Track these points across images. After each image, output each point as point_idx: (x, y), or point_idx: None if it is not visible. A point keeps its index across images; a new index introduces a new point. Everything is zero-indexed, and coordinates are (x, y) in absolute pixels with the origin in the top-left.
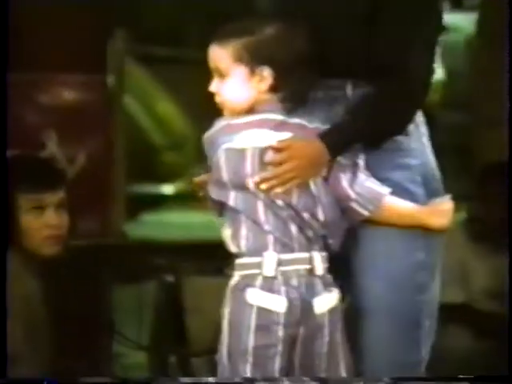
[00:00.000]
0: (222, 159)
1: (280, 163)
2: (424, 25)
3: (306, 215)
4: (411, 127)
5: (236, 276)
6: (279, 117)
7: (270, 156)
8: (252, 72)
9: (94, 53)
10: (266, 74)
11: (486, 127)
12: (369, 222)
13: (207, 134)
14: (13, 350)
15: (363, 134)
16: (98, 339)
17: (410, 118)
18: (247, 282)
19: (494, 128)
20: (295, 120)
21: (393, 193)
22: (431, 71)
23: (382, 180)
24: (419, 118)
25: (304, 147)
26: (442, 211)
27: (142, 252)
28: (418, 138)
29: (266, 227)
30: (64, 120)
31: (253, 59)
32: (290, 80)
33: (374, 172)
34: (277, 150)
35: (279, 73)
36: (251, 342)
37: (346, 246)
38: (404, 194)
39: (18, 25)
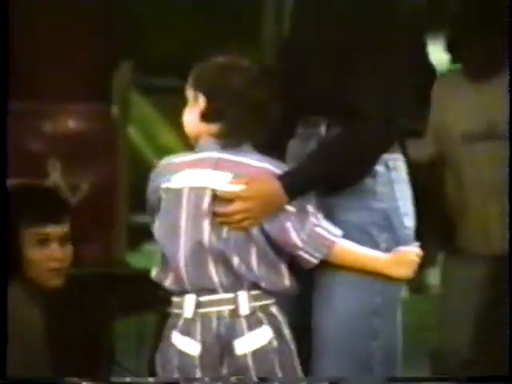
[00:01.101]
0: (160, 199)
1: (232, 201)
2: (394, 68)
3: (235, 259)
4: (381, 170)
5: (172, 313)
6: (220, 155)
7: (210, 197)
8: (195, 97)
9: (99, 83)
10: (201, 100)
11: None
12: (326, 263)
13: (151, 174)
14: (13, 375)
15: (324, 179)
16: (97, 368)
17: (372, 161)
18: (174, 321)
19: None
20: (237, 158)
21: (351, 235)
22: (396, 113)
23: (341, 222)
24: (395, 162)
25: (260, 187)
26: (404, 261)
27: (144, 282)
28: (388, 182)
29: (185, 269)
30: (68, 149)
31: (194, 84)
32: (227, 113)
33: (333, 213)
34: (229, 193)
35: (213, 103)
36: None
37: (302, 284)
38: (364, 237)
39: (25, 53)
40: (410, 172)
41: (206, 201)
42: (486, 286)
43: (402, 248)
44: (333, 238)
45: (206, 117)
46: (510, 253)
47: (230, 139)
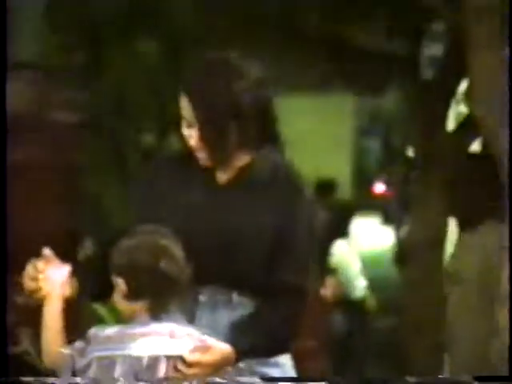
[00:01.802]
0: (92, 366)
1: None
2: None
3: None
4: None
5: None
6: (171, 326)
7: (165, 362)
8: (116, 282)
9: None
10: (120, 282)
11: (414, 332)
12: None
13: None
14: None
15: (265, 348)
16: None
17: (293, 333)
18: None
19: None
20: (186, 329)
21: None
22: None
23: (259, 373)
24: None
25: (215, 357)
26: None
27: None
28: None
29: None
30: (39, 318)
31: (113, 269)
32: (145, 291)
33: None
34: (193, 360)
35: (131, 284)
36: None
37: None
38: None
39: None
40: None
41: (163, 365)
42: None
43: None
44: None
45: (128, 297)
46: (510, 252)
47: (158, 312)
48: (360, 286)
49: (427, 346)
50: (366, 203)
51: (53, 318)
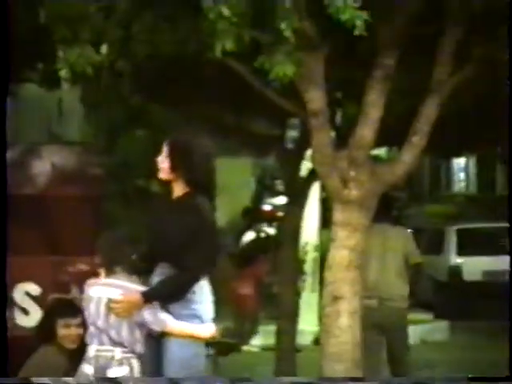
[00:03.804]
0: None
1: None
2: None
3: (112, 332)
4: (197, 289)
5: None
6: (109, 280)
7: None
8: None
9: None
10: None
11: None
12: (167, 333)
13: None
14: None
15: (164, 296)
16: None
17: (188, 289)
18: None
19: None
20: (120, 282)
21: (182, 319)
22: (201, 271)
23: (176, 313)
24: (201, 287)
25: (131, 299)
26: (201, 331)
27: None
28: (202, 292)
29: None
30: None
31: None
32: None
33: (174, 310)
34: (118, 300)
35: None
36: None
37: (154, 342)
38: (187, 320)
39: None
40: None
41: (104, 302)
42: None
43: (207, 323)
44: (167, 320)
45: (101, 265)
46: (510, 251)
47: (111, 274)
48: None
49: None
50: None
51: None
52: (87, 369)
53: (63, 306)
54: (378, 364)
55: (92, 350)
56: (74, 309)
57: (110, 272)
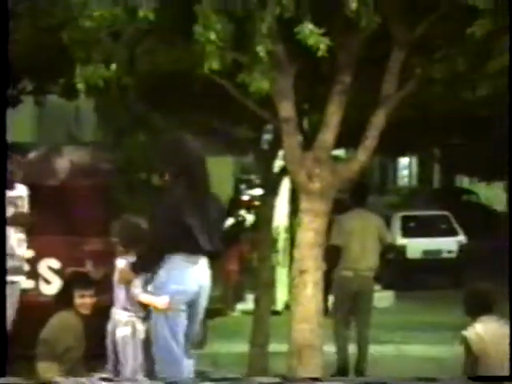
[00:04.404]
0: None
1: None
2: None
3: (119, 297)
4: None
5: None
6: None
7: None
8: None
9: None
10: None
11: None
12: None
13: None
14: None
15: (144, 268)
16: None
17: (157, 263)
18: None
19: None
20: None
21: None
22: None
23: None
24: (169, 263)
25: (125, 268)
26: (157, 302)
27: None
28: (166, 271)
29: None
30: None
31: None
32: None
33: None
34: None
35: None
36: None
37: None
38: (159, 292)
39: None
40: None
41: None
42: None
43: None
44: (136, 291)
45: (120, 246)
46: (509, 250)
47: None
48: None
49: None
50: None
51: None
52: (109, 327)
53: (79, 279)
54: (346, 328)
55: (112, 312)
56: (88, 281)
57: (126, 251)
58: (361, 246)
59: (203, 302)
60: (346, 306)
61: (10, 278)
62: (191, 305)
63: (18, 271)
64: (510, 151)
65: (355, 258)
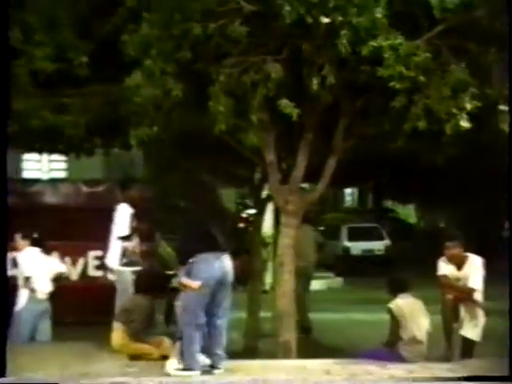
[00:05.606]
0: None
1: None
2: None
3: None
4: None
5: None
6: None
7: None
8: None
9: None
10: None
11: None
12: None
13: None
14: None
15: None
16: None
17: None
18: None
19: None
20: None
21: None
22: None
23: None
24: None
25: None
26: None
27: None
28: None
29: None
30: None
31: None
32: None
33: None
34: None
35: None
36: None
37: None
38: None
39: None
40: None
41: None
42: None
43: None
44: (181, 273)
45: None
46: (509, 249)
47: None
48: None
49: None
50: None
51: None
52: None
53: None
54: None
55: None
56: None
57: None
58: (307, 247)
59: (229, 283)
60: (301, 287)
61: (128, 269)
62: (221, 284)
63: (134, 264)
64: (509, 163)
65: (305, 255)
